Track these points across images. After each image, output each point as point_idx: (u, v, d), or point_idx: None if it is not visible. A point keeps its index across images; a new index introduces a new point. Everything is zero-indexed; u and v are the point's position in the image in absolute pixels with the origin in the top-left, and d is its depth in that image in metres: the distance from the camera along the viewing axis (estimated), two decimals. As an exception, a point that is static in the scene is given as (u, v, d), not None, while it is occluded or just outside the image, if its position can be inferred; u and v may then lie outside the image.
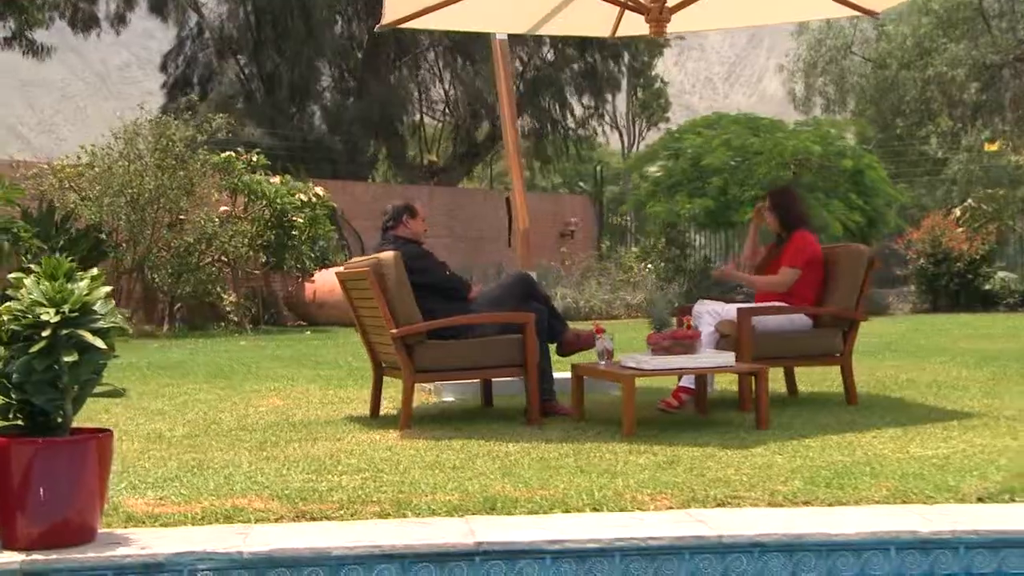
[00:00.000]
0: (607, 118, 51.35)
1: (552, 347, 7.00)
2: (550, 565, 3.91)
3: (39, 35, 23.96)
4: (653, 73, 53.01)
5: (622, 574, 3.91)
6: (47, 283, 3.81)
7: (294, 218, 17.61)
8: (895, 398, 7.44)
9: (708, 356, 6.19)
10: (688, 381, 6.74)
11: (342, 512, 4.33)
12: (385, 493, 4.59)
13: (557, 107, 29.75)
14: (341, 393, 8.07)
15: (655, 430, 6.16)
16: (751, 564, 3.94)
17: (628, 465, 5.16)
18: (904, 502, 4.41)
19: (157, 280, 16.69)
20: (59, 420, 3.87)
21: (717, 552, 3.95)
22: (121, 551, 3.80)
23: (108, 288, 3.90)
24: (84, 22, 26.01)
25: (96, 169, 16.23)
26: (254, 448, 5.76)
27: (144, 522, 4.22)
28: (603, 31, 7.64)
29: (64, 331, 3.71)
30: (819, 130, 20.44)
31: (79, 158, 16.64)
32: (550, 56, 28.52)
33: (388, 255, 6.35)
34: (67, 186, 16.28)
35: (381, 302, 6.27)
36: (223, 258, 17.20)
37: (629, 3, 6.69)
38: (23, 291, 3.80)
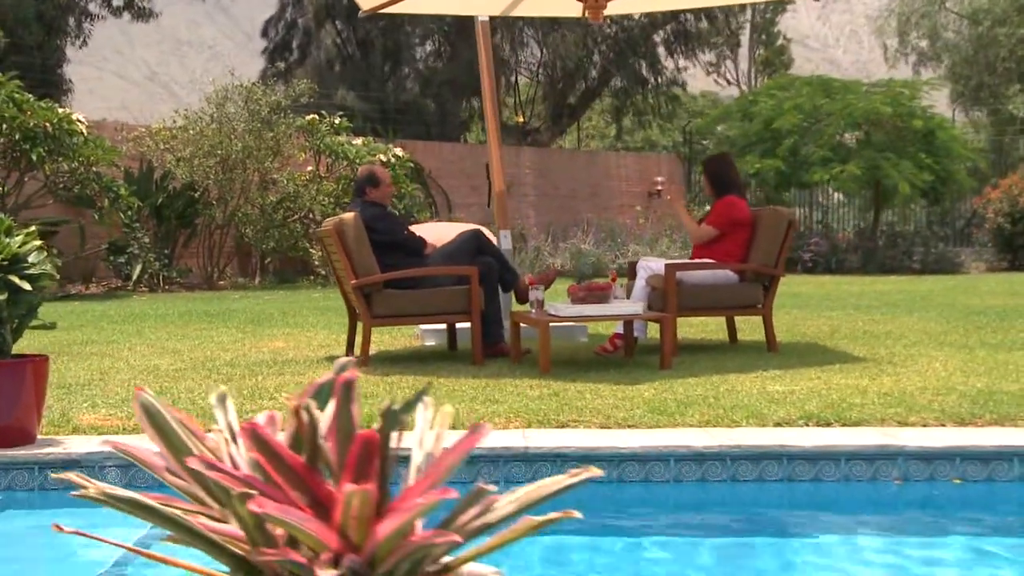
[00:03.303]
0: (730, 75, 51.50)
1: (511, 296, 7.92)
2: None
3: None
4: (776, 30, 52.90)
5: (447, 476, 4.83)
6: (-12, 238, 4.85)
7: (377, 177, 18.66)
8: (823, 346, 8.14)
9: (616, 305, 7.01)
10: (621, 329, 7.57)
11: (247, 427, 5.30)
12: (291, 414, 5.54)
13: (645, 67, 30.28)
14: (341, 337, 9.06)
15: (576, 369, 7.01)
16: (554, 470, 4.82)
17: (516, 396, 6.02)
18: (712, 425, 5.22)
19: (248, 236, 17.93)
20: (1, 347, 4.91)
21: (525, 460, 4.84)
22: (48, 450, 4.84)
23: (39, 242, 4.93)
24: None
25: (190, 132, 17.50)
26: (221, 380, 6.76)
27: (85, 432, 5.23)
28: (574, 11, 8.40)
29: (-3, 276, 4.75)
30: (891, 91, 20.73)
31: (175, 121, 17.93)
32: (642, 19, 29.08)
33: (349, 216, 7.31)
34: (163, 148, 17.58)
35: (342, 256, 7.23)
36: (310, 215, 18.36)
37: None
38: (-31, 245, 4.85)
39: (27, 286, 4.77)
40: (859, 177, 19.53)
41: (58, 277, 5.18)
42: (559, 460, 4.83)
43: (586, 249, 19.18)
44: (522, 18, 28.90)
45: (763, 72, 52.88)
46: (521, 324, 7.37)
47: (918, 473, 4.77)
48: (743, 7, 42.87)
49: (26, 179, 15.80)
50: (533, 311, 7.26)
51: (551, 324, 6.99)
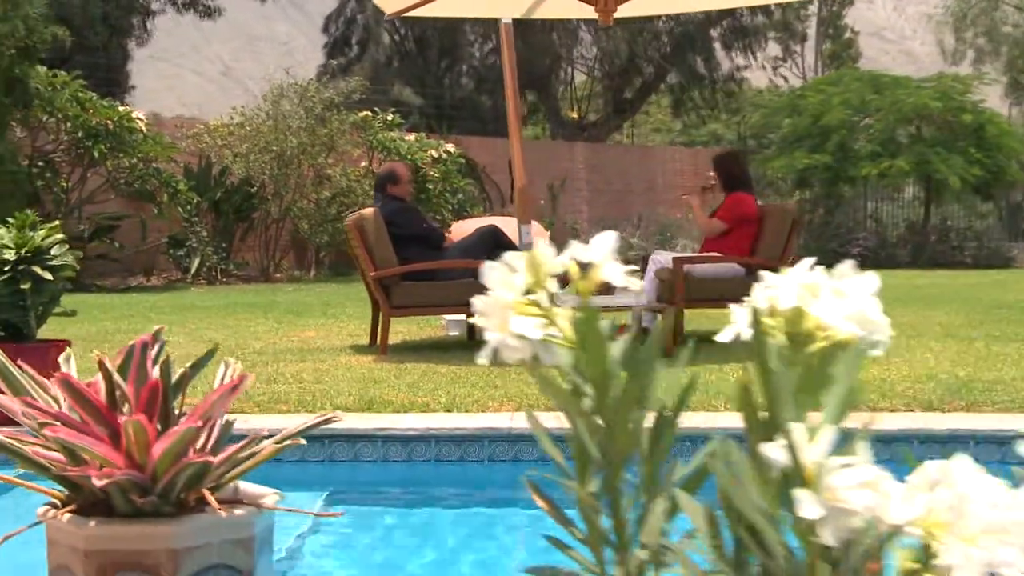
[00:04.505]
0: (796, 69, 51.40)
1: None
2: (381, 446, 5.21)
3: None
4: (843, 23, 52.64)
5: (436, 454, 5.19)
6: (15, 232, 5.28)
7: (430, 172, 19.09)
8: (830, 338, 8.38)
9: (619, 297, 7.33)
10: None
11: (258, 409, 5.69)
12: (300, 397, 5.92)
13: (701, 62, 30.46)
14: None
15: (583, 359, 7.32)
16: (534, 450, 5.16)
17: (515, 382, 6.35)
18: (692, 410, 5.50)
19: (304, 230, 18.43)
20: (26, 332, 5.34)
21: (508, 440, 5.18)
22: (69, 427, 5.27)
23: (61, 236, 5.35)
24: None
25: (246, 128, 18.02)
26: (247, 366, 7.13)
27: (108, 411, 5.64)
28: (587, 14, 8.70)
29: (21, 266, 5.17)
30: (942, 86, 20.77)
31: (232, 118, 18.46)
32: (698, 15, 29.27)
33: (369, 211, 7.70)
34: (221, 144, 18.12)
35: (361, 249, 7.61)
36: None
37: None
38: (-3, 238, 5.28)
39: (49, 276, 5.18)
40: (908, 172, 19.62)
41: (78, 268, 5.59)
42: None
43: (636, 243, 19.43)
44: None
45: (829, 66, 52.72)
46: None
47: (879, 453, 5.03)
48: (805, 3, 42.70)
49: (89, 175, 16.39)
50: (543, 302, 7.57)
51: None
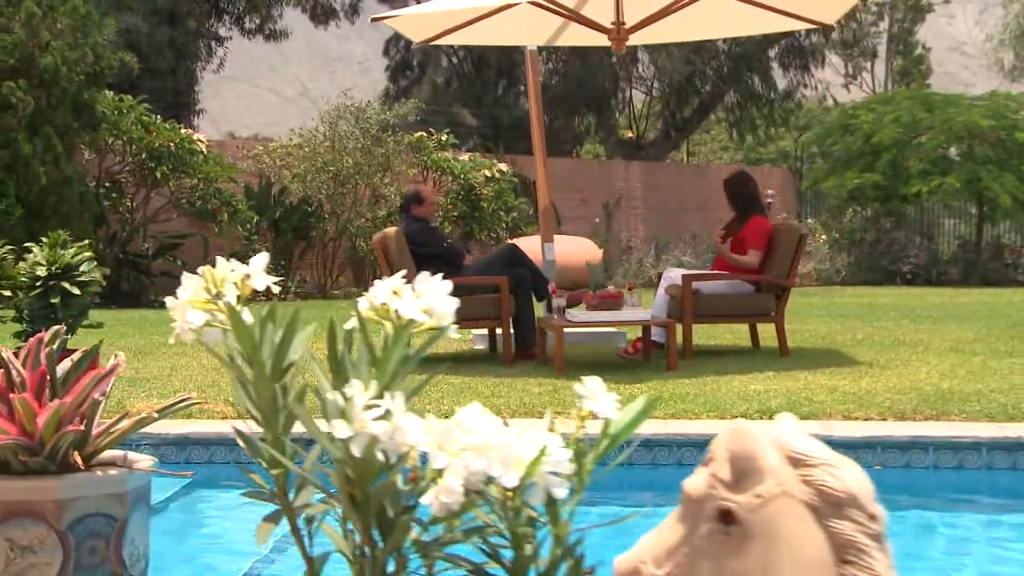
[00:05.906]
0: (865, 86, 51.26)
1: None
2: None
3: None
4: (914, 39, 52.40)
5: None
6: (47, 249, 5.77)
7: (483, 191, 19.55)
8: (837, 352, 8.64)
9: (625, 312, 7.68)
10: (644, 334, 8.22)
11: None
12: (316, 405, 6.34)
13: (758, 81, 30.62)
14: (403, 341, 9.88)
15: (594, 371, 7.65)
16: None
17: (521, 392, 6.72)
18: (676, 419, 5.86)
19: (362, 247, 18.93)
20: (57, 342, 5.82)
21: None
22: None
23: (89, 254, 5.83)
24: (324, 14, 28.67)
25: (304, 149, 18.59)
26: (273, 376, 7.60)
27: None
28: (603, 42, 9.06)
29: (52, 282, 5.66)
30: (994, 104, 20.83)
31: (291, 140, 19.05)
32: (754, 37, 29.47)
33: (392, 230, 8.15)
34: (280, 164, 18.71)
35: (384, 265, 8.04)
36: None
37: (594, 25, 8.17)
38: (31, 255, 5.78)
39: (77, 291, 5.66)
40: (959, 189, 19.74)
41: (105, 284, 6.06)
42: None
43: (686, 261, 19.71)
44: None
45: (900, 82, 52.47)
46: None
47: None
48: (877, 20, 42.62)
49: (153, 195, 17.06)
50: (555, 317, 7.97)
51: (585, 330, 7.72)
